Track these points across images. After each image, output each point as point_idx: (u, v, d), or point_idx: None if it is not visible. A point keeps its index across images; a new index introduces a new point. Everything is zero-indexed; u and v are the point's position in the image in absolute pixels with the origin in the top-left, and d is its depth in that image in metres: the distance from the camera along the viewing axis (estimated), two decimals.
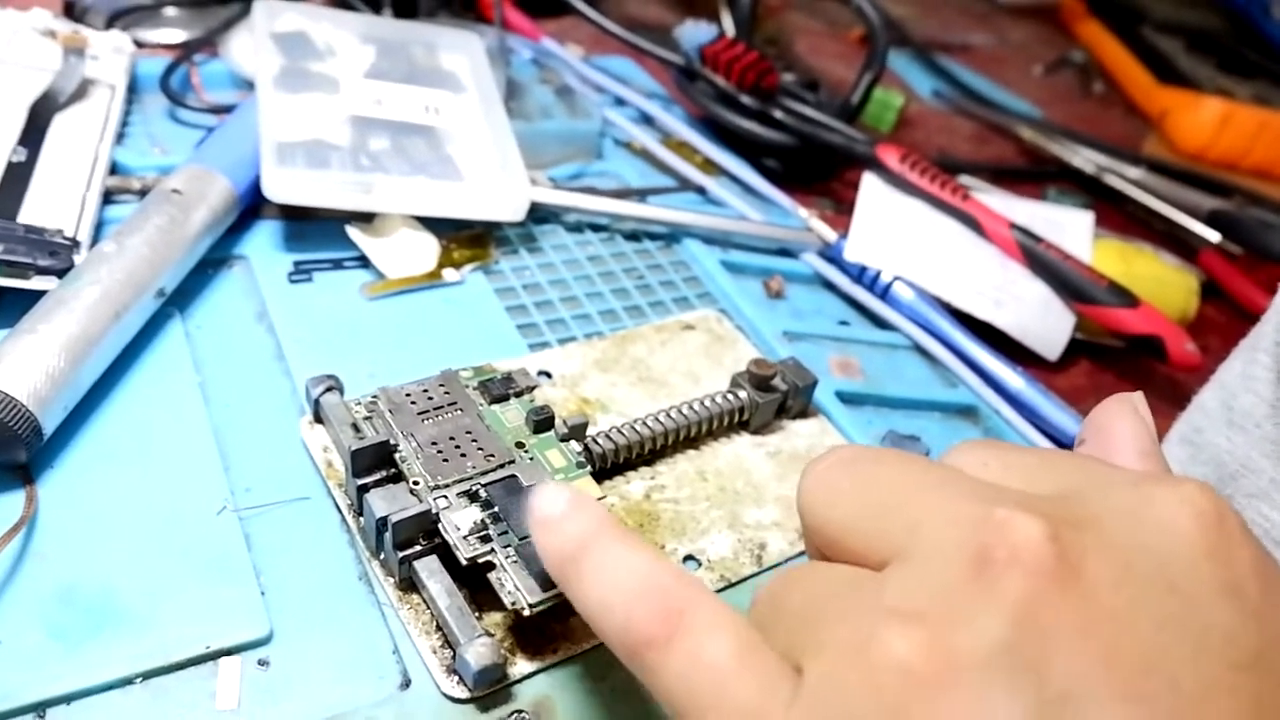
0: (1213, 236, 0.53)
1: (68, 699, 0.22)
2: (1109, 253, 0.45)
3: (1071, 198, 0.58)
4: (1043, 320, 0.42)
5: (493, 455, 0.27)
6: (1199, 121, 0.65)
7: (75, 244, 0.32)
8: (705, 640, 0.18)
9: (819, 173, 0.52)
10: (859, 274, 0.42)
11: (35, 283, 0.30)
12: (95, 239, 0.33)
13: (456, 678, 0.24)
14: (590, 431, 0.30)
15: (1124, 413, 0.21)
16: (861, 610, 0.17)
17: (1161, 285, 0.44)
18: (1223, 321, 0.50)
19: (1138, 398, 0.21)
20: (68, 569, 0.25)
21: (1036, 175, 0.60)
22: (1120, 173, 0.58)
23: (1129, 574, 0.16)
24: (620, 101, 0.52)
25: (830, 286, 0.43)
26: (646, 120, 0.51)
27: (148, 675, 0.23)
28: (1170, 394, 0.43)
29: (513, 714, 0.24)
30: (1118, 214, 0.57)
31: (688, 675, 0.18)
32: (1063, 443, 0.37)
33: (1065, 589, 0.16)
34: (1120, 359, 0.44)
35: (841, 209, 0.50)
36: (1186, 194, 0.56)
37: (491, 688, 0.24)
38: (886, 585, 0.17)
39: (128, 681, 0.23)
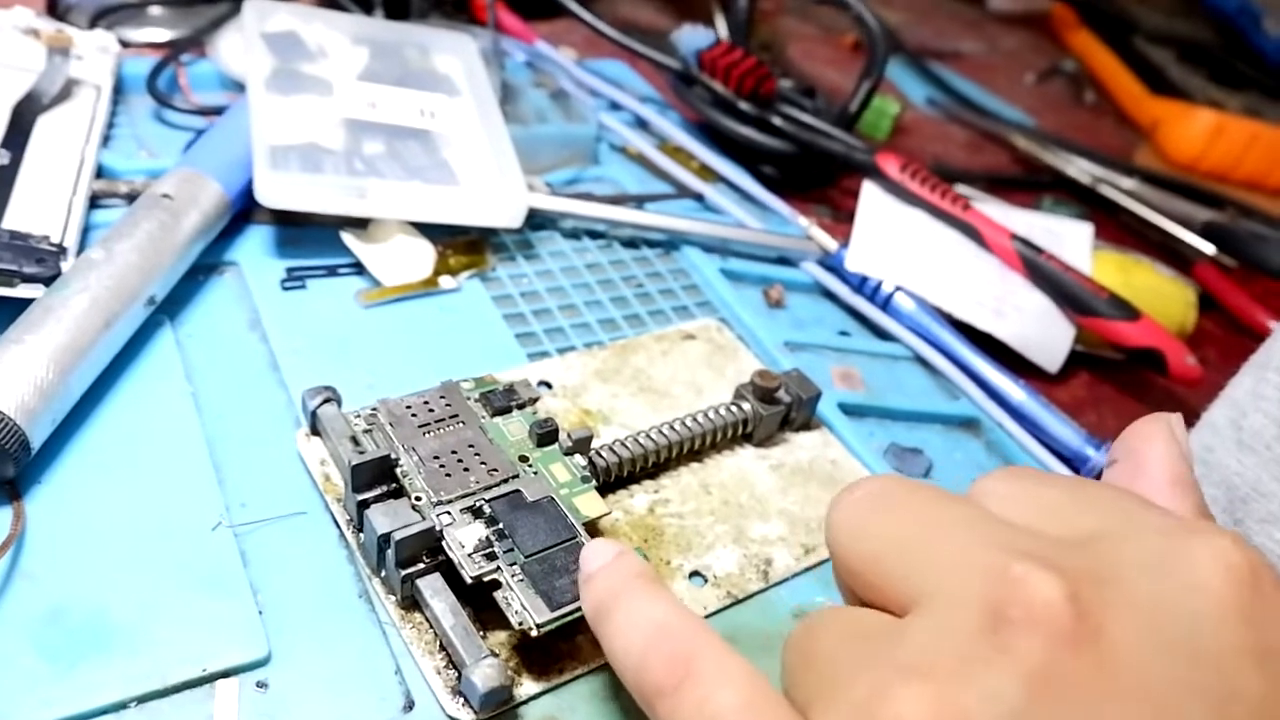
0: (1207, 249, 0.53)
1: None
2: (1108, 264, 0.45)
3: (1067, 207, 0.58)
4: (1043, 332, 0.42)
5: (496, 469, 0.27)
6: (1191, 132, 0.65)
7: (62, 250, 0.31)
8: (713, 689, 0.18)
9: (816, 180, 0.51)
10: (860, 284, 0.42)
11: (21, 291, 0.29)
12: (82, 245, 0.33)
13: (462, 699, 0.23)
14: (594, 444, 0.29)
15: (1158, 435, 0.20)
16: (876, 662, 0.17)
17: (1160, 298, 0.44)
18: (1219, 334, 0.50)
19: (1175, 419, 0.21)
20: (58, 588, 0.24)
21: (1032, 184, 0.60)
22: (1114, 183, 0.58)
23: (1151, 635, 0.16)
24: (615, 106, 0.51)
25: (830, 296, 0.43)
26: (642, 125, 0.51)
27: (142, 699, 0.22)
28: (1170, 408, 0.42)
29: None
30: (1113, 224, 0.57)
31: None
32: (1064, 456, 0.37)
33: (1082, 652, 0.15)
34: (1120, 371, 0.44)
35: (839, 216, 0.50)
36: (1180, 205, 0.56)
37: (498, 709, 0.23)
38: (903, 637, 0.17)
39: (122, 705, 0.22)
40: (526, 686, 0.24)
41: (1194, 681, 0.15)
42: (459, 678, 0.23)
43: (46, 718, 0.21)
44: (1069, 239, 0.46)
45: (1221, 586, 0.16)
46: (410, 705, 0.23)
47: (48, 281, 0.29)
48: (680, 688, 0.18)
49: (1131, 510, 0.18)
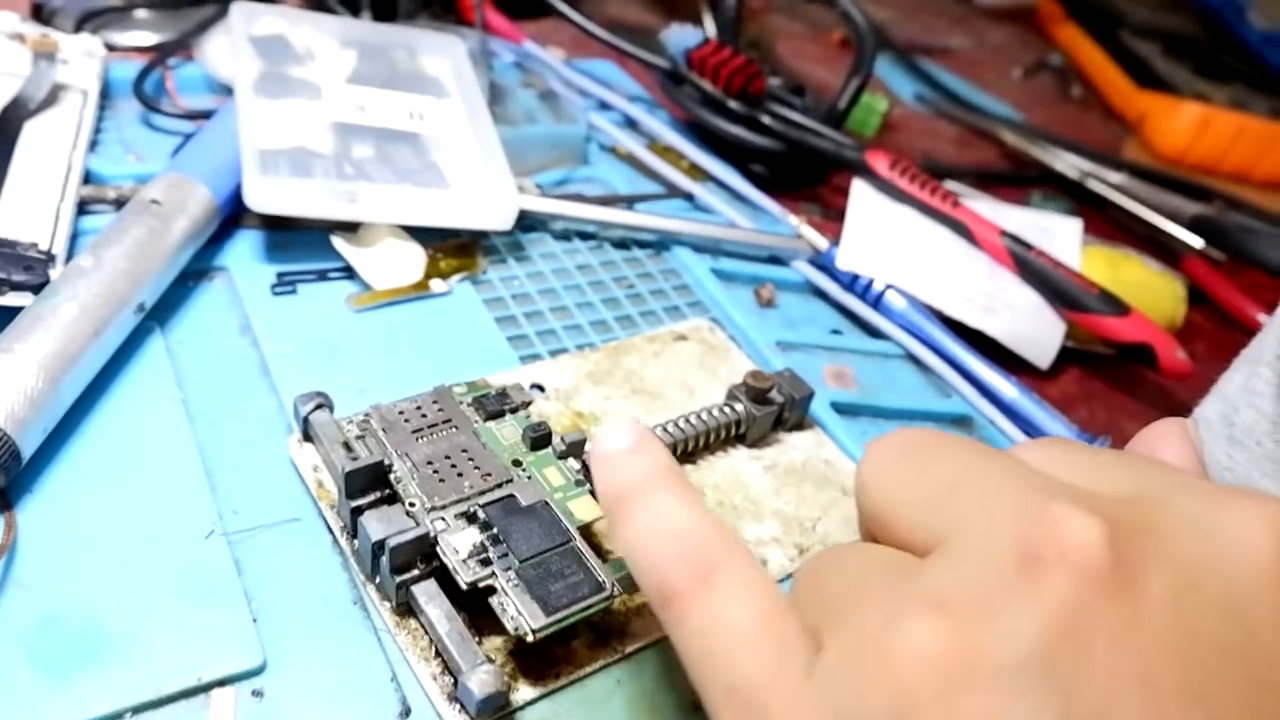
0: (1196, 242, 0.53)
1: None
2: (1097, 259, 0.45)
3: (1056, 202, 0.58)
4: (1034, 328, 0.42)
5: (489, 474, 0.27)
6: (1177, 125, 0.65)
7: (50, 258, 0.31)
8: (729, 601, 0.17)
9: (806, 178, 0.52)
10: (851, 282, 0.42)
11: (9, 299, 0.29)
12: (71, 252, 0.32)
13: (458, 706, 0.23)
14: (588, 448, 0.29)
15: (1173, 435, 0.20)
16: (893, 593, 0.16)
17: (1149, 292, 0.44)
18: (1208, 328, 0.50)
19: (1190, 423, 0.21)
20: (50, 598, 0.24)
21: (1020, 180, 0.60)
22: (1102, 177, 0.58)
23: (1188, 591, 0.15)
24: (604, 105, 0.51)
25: (821, 294, 0.43)
26: (631, 125, 0.51)
27: (137, 709, 0.22)
28: (1161, 402, 0.43)
29: None
30: (1101, 219, 0.57)
31: (706, 634, 0.17)
32: None
33: (1114, 599, 0.15)
34: (1110, 367, 0.44)
35: (829, 214, 0.50)
36: (1168, 199, 0.56)
37: (494, 715, 0.23)
38: (926, 571, 0.17)
39: (117, 716, 0.22)
40: (523, 692, 0.24)
41: (1226, 642, 0.15)
42: (455, 684, 0.23)
43: None
44: (1058, 235, 0.46)
45: (1267, 549, 0.15)
46: (407, 712, 0.23)
47: (36, 289, 0.29)
48: (696, 595, 0.17)
49: (1173, 474, 0.18)
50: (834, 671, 0.16)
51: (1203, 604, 0.15)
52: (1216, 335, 0.50)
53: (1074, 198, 0.59)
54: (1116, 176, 0.58)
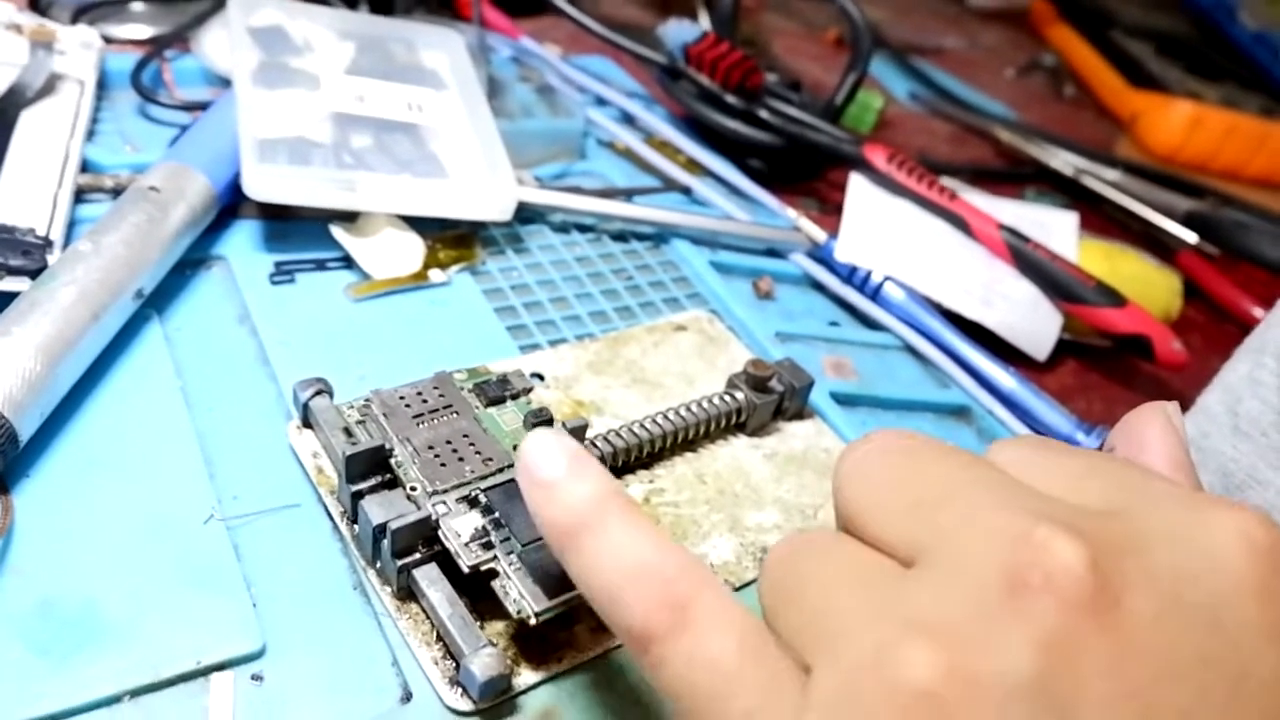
0: (1190, 237, 0.53)
1: None
2: (1093, 253, 0.45)
3: (1050, 199, 0.58)
4: (1031, 320, 0.42)
5: (491, 459, 0.27)
6: (1170, 124, 0.66)
7: (48, 243, 0.30)
8: (709, 637, 0.17)
9: (803, 173, 0.52)
10: (849, 274, 0.42)
11: (7, 284, 0.29)
12: (68, 239, 0.32)
13: (460, 690, 0.23)
14: (588, 435, 0.29)
15: (1156, 420, 0.20)
16: (882, 615, 0.16)
17: (1145, 285, 0.44)
18: (1202, 321, 0.50)
19: (1172, 407, 0.21)
20: (47, 582, 0.23)
21: (1015, 176, 0.60)
22: (1097, 174, 0.58)
23: (1171, 609, 0.15)
24: (601, 101, 0.51)
25: (819, 287, 0.43)
26: (628, 120, 0.51)
27: (136, 693, 0.22)
28: (1156, 394, 0.43)
29: None
30: (1096, 215, 0.57)
31: (690, 672, 0.17)
32: None
33: (1101, 622, 0.15)
34: (1106, 359, 0.44)
35: (826, 209, 0.50)
36: (1162, 195, 0.57)
37: (497, 699, 0.23)
38: (912, 590, 0.16)
39: (114, 700, 0.22)
40: (525, 676, 0.24)
41: (1210, 656, 0.15)
42: (457, 668, 0.23)
43: (38, 712, 0.21)
44: (1055, 228, 0.46)
45: (1244, 563, 0.16)
46: (408, 697, 0.23)
47: (34, 275, 0.29)
48: (674, 634, 0.17)
49: (1152, 483, 0.18)
50: (830, 704, 0.16)
51: (1185, 619, 0.15)
52: (1210, 329, 0.50)
53: (1068, 195, 0.59)
54: (1111, 173, 0.59)
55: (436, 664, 0.24)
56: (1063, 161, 0.59)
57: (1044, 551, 0.15)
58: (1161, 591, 0.15)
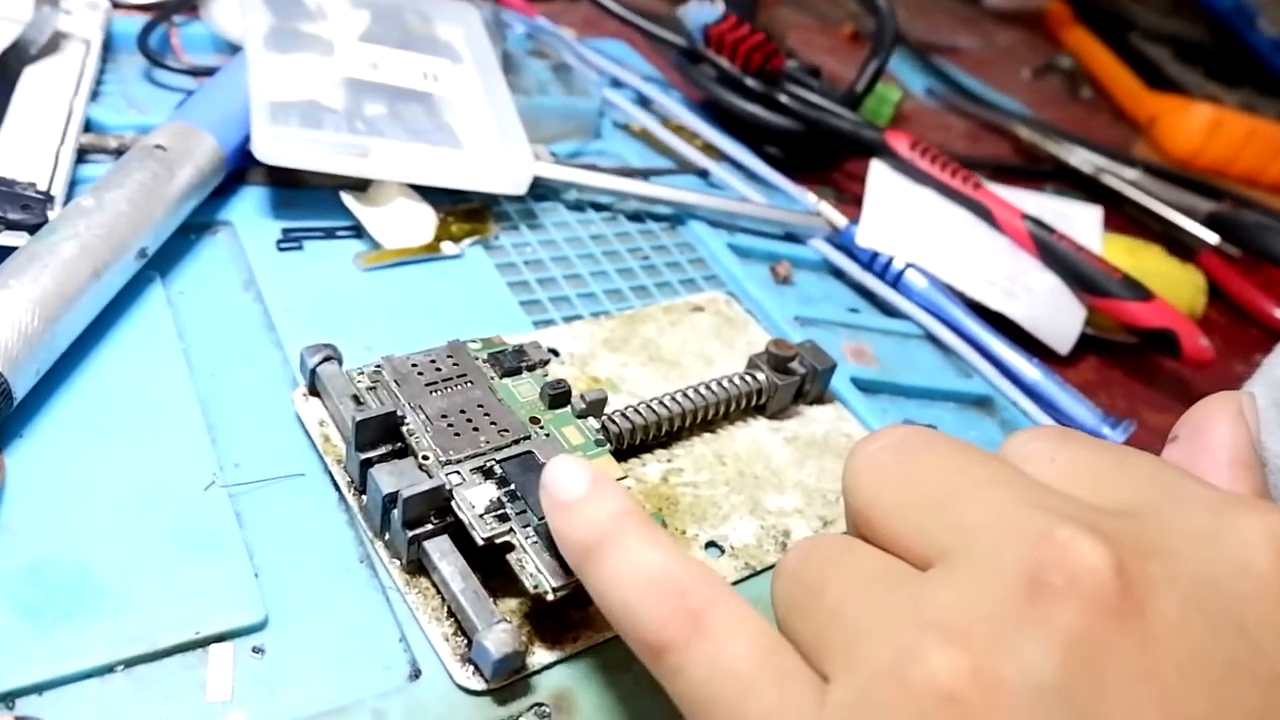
0: (1211, 238, 0.52)
1: (39, 688, 0.20)
2: (1118, 247, 0.44)
3: (1069, 196, 0.57)
4: (1054, 312, 0.41)
5: (506, 430, 0.25)
6: (1189, 127, 0.65)
7: (49, 198, 0.29)
8: (725, 644, 0.17)
9: (820, 161, 0.51)
10: (870, 260, 0.41)
11: (5, 238, 0.28)
12: (70, 195, 0.31)
13: (472, 667, 0.22)
14: (605, 410, 0.28)
15: (1226, 414, 0.19)
16: (901, 619, 0.16)
17: (1170, 282, 0.43)
18: (1224, 323, 0.49)
19: (1246, 399, 0.19)
20: (39, 545, 0.22)
21: (1034, 174, 0.59)
22: (1117, 174, 0.57)
23: (1196, 613, 0.15)
24: (617, 83, 0.50)
25: (838, 273, 0.42)
26: (644, 104, 0.50)
27: (130, 663, 0.21)
28: (1179, 391, 0.43)
29: (532, 707, 0.22)
30: (1116, 214, 0.56)
31: (706, 680, 0.17)
32: None
33: (1125, 626, 0.15)
34: (1129, 355, 0.43)
35: (843, 199, 0.49)
36: (1183, 196, 0.56)
37: (510, 678, 0.22)
38: (930, 592, 0.16)
39: (108, 669, 0.21)
40: (539, 656, 0.23)
41: (1237, 662, 0.15)
42: (469, 644, 0.22)
43: (25, 680, 0.20)
44: (1078, 221, 0.45)
45: (1270, 565, 0.15)
46: (416, 674, 0.22)
47: (33, 229, 0.28)
48: (690, 643, 0.17)
49: (1177, 482, 0.17)
50: (849, 709, 0.15)
51: (1210, 623, 0.15)
52: (1232, 331, 0.49)
53: (1088, 193, 0.58)
54: (1131, 173, 0.58)
55: (447, 640, 0.23)
56: (1082, 159, 0.58)
57: (1066, 552, 0.15)
58: (1186, 594, 0.15)
